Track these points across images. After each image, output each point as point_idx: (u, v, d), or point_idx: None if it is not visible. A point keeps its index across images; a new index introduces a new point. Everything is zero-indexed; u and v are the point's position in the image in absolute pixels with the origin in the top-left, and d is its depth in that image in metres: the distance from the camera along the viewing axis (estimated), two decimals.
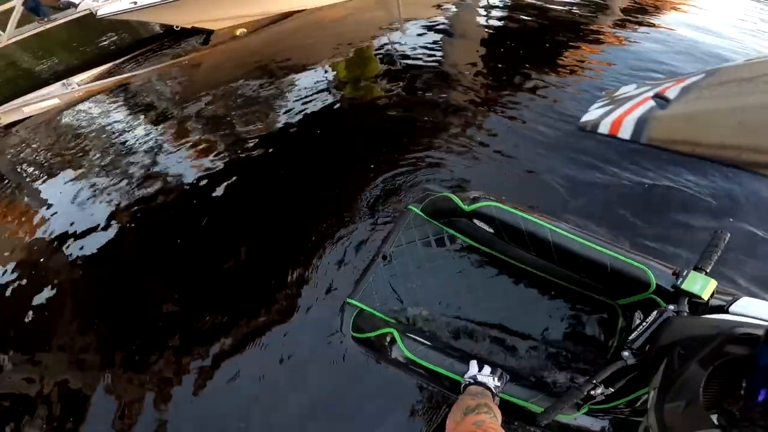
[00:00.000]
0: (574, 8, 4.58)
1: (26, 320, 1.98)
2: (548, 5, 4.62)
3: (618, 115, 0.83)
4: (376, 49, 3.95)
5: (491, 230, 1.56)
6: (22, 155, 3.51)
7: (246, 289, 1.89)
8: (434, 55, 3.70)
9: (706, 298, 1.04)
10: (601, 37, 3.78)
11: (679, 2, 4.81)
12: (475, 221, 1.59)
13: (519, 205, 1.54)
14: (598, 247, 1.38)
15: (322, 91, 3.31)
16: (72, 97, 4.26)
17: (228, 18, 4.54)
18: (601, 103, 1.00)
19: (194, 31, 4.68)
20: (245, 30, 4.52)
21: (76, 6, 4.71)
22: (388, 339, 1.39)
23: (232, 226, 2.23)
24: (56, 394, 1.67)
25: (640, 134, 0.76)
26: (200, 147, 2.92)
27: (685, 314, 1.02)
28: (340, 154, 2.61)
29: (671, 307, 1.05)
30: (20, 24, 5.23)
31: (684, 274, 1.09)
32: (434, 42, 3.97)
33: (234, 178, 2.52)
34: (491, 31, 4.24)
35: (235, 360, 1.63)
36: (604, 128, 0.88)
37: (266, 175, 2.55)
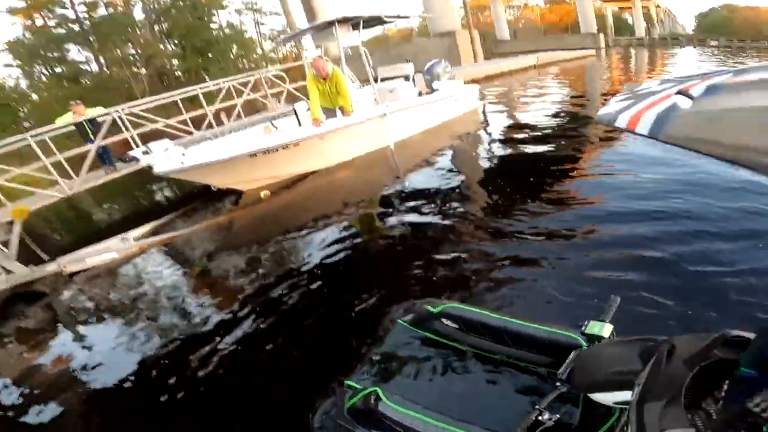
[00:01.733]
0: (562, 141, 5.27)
1: None
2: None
3: (638, 110, 0.84)
4: (382, 200, 4.63)
5: (456, 326, 2.00)
6: (79, 301, 4.08)
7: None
8: (433, 196, 4.35)
9: (606, 336, 1.43)
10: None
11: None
12: (443, 320, 2.03)
13: (476, 305, 1.99)
14: (537, 326, 1.75)
15: (337, 242, 3.90)
16: (128, 252, 5.09)
17: (255, 179, 5.47)
18: (622, 97, 1.00)
19: (228, 192, 5.62)
20: (268, 192, 5.40)
21: (138, 161, 5.74)
22: (373, 399, 1.58)
23: (262, 361, 2.55)
24: None
25: (659, 130, 0.76)
26: (231, 299, 3.33)
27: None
28: (353, 292, 2.98)
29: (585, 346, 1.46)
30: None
31: (586, 323, 1.50)
32: (431, 184, 4.70)
33: (264, 323, 2.88)
34: (487, 167, 4.89)
35: None
36: (621, 122, 0.86)
37: (290, 317, 2.93)
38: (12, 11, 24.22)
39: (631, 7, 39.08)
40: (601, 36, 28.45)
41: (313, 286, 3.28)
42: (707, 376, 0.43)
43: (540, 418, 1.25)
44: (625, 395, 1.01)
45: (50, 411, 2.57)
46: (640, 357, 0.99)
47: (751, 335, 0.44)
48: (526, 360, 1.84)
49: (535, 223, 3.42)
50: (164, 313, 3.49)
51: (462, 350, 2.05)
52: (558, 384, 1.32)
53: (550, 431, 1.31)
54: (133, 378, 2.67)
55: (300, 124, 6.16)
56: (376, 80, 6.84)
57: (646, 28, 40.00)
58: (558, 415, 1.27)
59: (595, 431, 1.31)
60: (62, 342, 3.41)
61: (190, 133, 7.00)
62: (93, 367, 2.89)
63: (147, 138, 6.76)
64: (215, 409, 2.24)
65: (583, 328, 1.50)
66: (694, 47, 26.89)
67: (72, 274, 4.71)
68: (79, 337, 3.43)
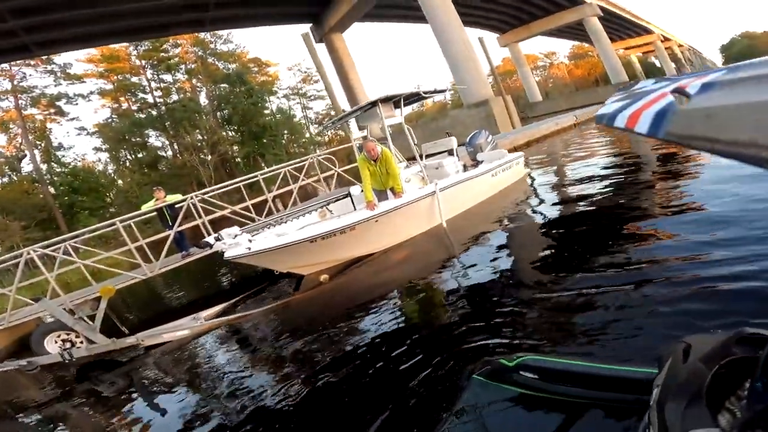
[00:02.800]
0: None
1: None
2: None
3: (636, 109, 0.84)
4: (437, 279, 4.63)
5: (535, 376, 1.90)
6: (152, 373, 4.41)
7: None
8: (492, 271, 4.28)
9: None
10: None
11: None
12: (521, 372, 1.93)
13: (554, 355, 1.90)
14: (614, 366, 1.66)
15: (395, 325, 3.88)
16: (199, 330, 5.36)
17: (314, 264, 5.71)
18: (618, 97, 1.00)
19: (289, 276, 5.90)
20: (327, 276, 5.59)
21: (211, 246, 6.23)
22: None
23: None
24: None
25: (658, 129, 0.76)
26: (291, 383, 3.33)
27: None
28: (411, 368, 2.95)
29: None
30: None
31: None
32: (488, 258, 4.66)
33: (324, 407, 2.87)
34: (544, 232, 4.78)
35: None
36: (620, 122, 0.86)
37: (354, 399, 2.87)
38: (102, 93, 29.13)
39: (654, 50, 39.18)
40: None
41: (375, 367, 3.22)
42: (727, 375, 0.41)
43: None
44: None
45: None
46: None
47: None
48: (613, 401, 1.77)
49: (594, 280, 3.36)
50: (227, 390, 3.60)
51: (550, 399, 1.94)
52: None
53: None
54: None
55: (355, 208, 6.46)
56: (421, 157, 7.13)
57: (676, 69, 39.54)
58: None
59: None
60: (133, 408, 3.73)
61: (253, 219, 7.58)
62: None
63: (213, 223, 7.47)
64: None
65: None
66: None
67: (148, 348, 5.21)
68: (149, 405, 3.74)
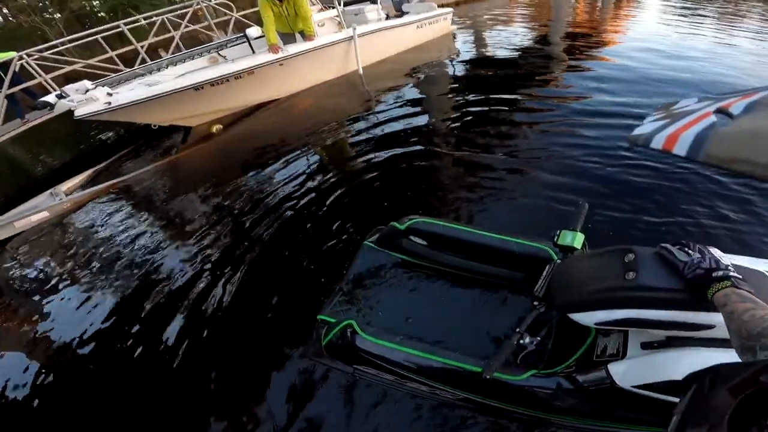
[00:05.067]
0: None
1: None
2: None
3: (674, 130, 0.81)
4: (350, 128, 4.20)
5: (424, 242, 1.88)
6: (16, 270, 3.49)
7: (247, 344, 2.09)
8: (406, 124, 4.01)
9: (578, 247, 1.32)
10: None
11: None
12: (411, 237, 1.89)
13: (444, 219, 1.85)
14: (507, 237, 1.66)
15: (302, 173, 3.55)
16: (61, 208, 4.36)
17: (203, 114, 4.74)
18: (656, 117, 0.95)
19: (173, 128, 4.85)
20: (221, 126, 4.71)
21: (52, 106, 4.85)
22: (349, 333, 1.54)
23: (234, 298, 2.42)
24: None
25: (698, 151, 0.72)
26: (189, 245, 3.01)
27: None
28: (323, 224, 2.85)
29: (558, 260, 1.37)
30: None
31: (558, 233, 1.39)
32: (404, 112, 4.30)
33: (230, 268, 2.66)
34: (459, 90, 4.56)
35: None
36: (657, 143, 0.83)
37: (258, 257, 2.71)
38: None
39: None
40: None
41: (280, 222, 3.00)
42: (753, 405, 0.37)
43: (522, 341, 1.19)
44: (603, 315, 1.00)
45: (16, 390, 2.22)
46: (615, 272, 0.97)
47: None
48: (499, 276, 1.77)
49: (503, 144, 3.43)
50: (114, 269, 3.03)
51: (433, 269, 1.92)
52: (536, 303, 1.24)
53: (532, 355, 1.29)
54: (97, 340, 2.41)
55: (253, 52, 5.36)
56: (339, 3, 6.05)
57: None
58: (539, 338, 1.22)
59: (572, 353, 1.26)
60: (13, 318, 2.88)
61: (120, 71, 5.96)
62: (54, 338, 2.52)
63: (71, 80, 5.76)
64: (190, 360, 2.09)
65: (555, 239, 1.38)
66: None
67: (2, 242, 4.00)
68: (31, 310, 2.91)
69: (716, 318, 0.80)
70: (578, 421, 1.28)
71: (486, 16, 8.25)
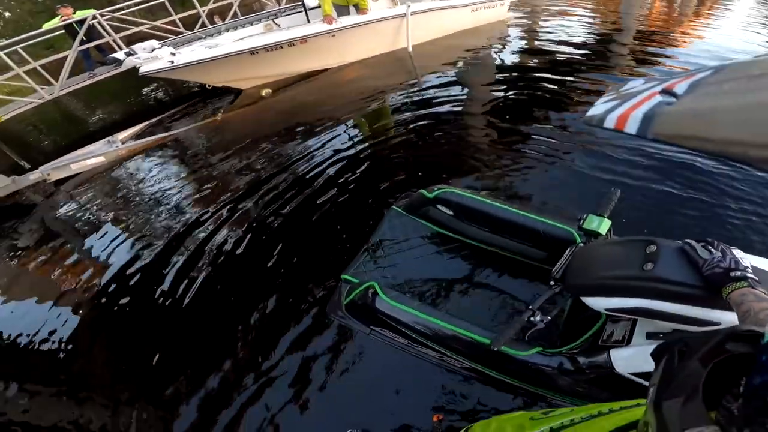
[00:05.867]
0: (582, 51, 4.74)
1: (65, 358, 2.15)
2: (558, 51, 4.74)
3: (624, 110, 0.87)
4: (393, 102, 4.20)
5: (450, 212, 1.91)
6: (69, 210, 3.72)
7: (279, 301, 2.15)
8: (450, 101, 3.98)
9: (603, 233, 1.30)
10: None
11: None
12: (438, 206, 1.93)
13: (471, 191, 1.86)
14: (533, 216, 1.67)
15: (339, 140, 3.59)
16: (116, 155, 4.65)
17: (255, 78, 4.88)
18: (607, 98, 1.03)
19: (226, 90, 5.04)
20: (270, 90, 4.83)
21: (120, 63, 5.16)
22: (370, 293, 1.58)
23: (265, 254, 2.48)
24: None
25: (647, 129, 0.79)
26: (227, 201, 3.12)
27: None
28: (357, 190, 2.91)
29: (581, 243, 1.36)
30: (71, 75, 5.84)
31: (584, 217, 1.35)
32: (449, 91, 4.24)
33: (266, 225, 2.75)
34: (507, 76, 4.43)
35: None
36: (609, 123, 0.89)
37: (293, 215, 2.79)
38: None
39: None
40: None
41: (314, 184, 3.06)
42: (723, 373, 0.39)
43: (532, 318, 1.21)
44: (616, 302, 1.02)
45: (56, 324, 2.37)
46: (634, 262, 0.98)
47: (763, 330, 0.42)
48: (520, 253, 1.78)
49: (544, 130, 3.30)
50: (159, 216, 3.20)
51: (455, 239, 1.95)
52: (552, 284, 1.25)
53: (540, 333, 1.30)
54: (135, 282, 2.53)
55: (308, 21, 5.44)
56: None
57: None
58: (549, 317, 1.23)
59: (579, 336, 1.28)
60: (60, 253, 3.09)
61: (180, 33, 6.23)
62: (96, 276, 2.68)
63: (135, 41, 6.11)
64: (219, 308, 2.18)
65: (580, 222, 1.36)
66: None
67: (58, 182, 4.34)
68: (76, 247, 3.13)
69: (724, 316, 0.85)
70: (574, 402, 1.29)
71: (546, 6, 7.86)
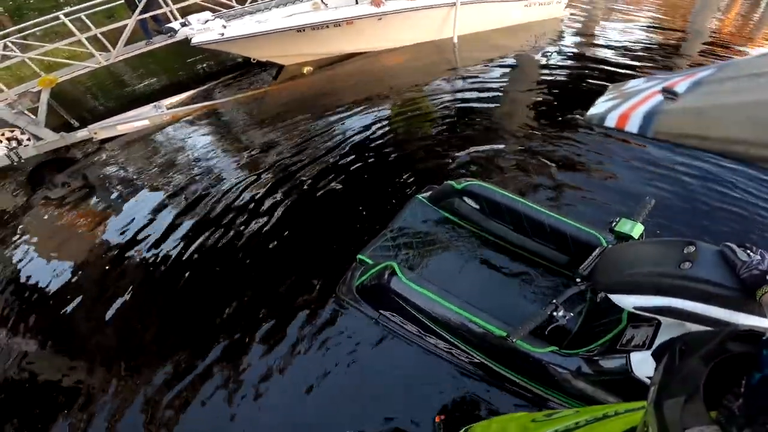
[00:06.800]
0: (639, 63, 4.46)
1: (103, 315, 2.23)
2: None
3: (625, 109, 0.87)
4: (431, 91, 4.12)
5: (477, 206, 1.88)
6: (109, 169, 3.92)
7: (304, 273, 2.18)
8: (489, 98, 3.87)
9: (636, 237, 1.31)
10: None
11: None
12: (465, 199, 1.90)
13: (500, 187, 1.83)
14: (561, 218, 1.64)
15: (373, 124, 3.59)
16: (161, 119, 4.83)
17: (299, 55, 4.92)
18: (608, 96, 1.02)
19: (268, 65, 5.12)
20: (311, 68, 4.86)
21: (176, 32, 5.34)
22: (387, 273, 1.55)
23: (294, 228, 2.54)
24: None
25: (647, 128, 0.79)
26: (262, 172, 3.21)
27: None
28: (385, 175, 2.92)
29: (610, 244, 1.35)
30: (128, 43, 6.11)
31: (617, 220, 1.36)
32: (489, 86, 4.11)
33: (295, 199, 2.82)
34: (551, 78, 4.22)
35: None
36: (610, 122, 0.88)
37: (322, 190, 2.86)
38: None
39: None
40: None
41: (343, 164, 3.09)
42: (724, 372, 0.40)
43: (555, 313, 1.19)
44: (645, 300, 0.99)
45: (83, 277, 2.52)
46: (671, 261, 0.96)
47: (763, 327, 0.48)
48: (542, 255, 1.75)
49: (582, 136, 3.19)
50: (195, 182, 3.32)
51: (478, 234, 1.90)
52: (578, 281, 1.23)
53: (559, 330, 1.31)
54: (164, 245, 2.60)
55: (357, 2, 5.42)
56: None
57: None
58: (572, 314, 1.21)
59: (598, 339, 1.27)
60: (96, 211, 3.28)
61: (232, 7, 6.37)
62: (125, 234, 2.82)
63: (190, 13, 6.32)
64: (244, 277, 2.22)
65: (613, 225, 1.36)
66: None
67: (103, 141, 4.59)
68: (112, 206, 3.30)
69: (754, 321, 0.83)
70: (580, 405, 1.24)
71: (608, 7, 7.43)
